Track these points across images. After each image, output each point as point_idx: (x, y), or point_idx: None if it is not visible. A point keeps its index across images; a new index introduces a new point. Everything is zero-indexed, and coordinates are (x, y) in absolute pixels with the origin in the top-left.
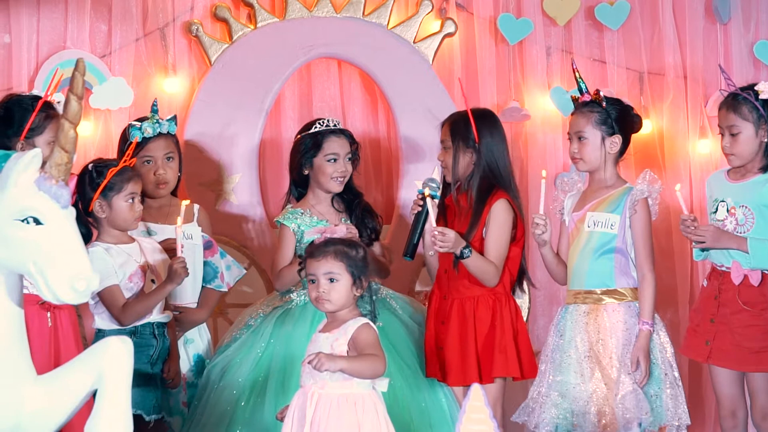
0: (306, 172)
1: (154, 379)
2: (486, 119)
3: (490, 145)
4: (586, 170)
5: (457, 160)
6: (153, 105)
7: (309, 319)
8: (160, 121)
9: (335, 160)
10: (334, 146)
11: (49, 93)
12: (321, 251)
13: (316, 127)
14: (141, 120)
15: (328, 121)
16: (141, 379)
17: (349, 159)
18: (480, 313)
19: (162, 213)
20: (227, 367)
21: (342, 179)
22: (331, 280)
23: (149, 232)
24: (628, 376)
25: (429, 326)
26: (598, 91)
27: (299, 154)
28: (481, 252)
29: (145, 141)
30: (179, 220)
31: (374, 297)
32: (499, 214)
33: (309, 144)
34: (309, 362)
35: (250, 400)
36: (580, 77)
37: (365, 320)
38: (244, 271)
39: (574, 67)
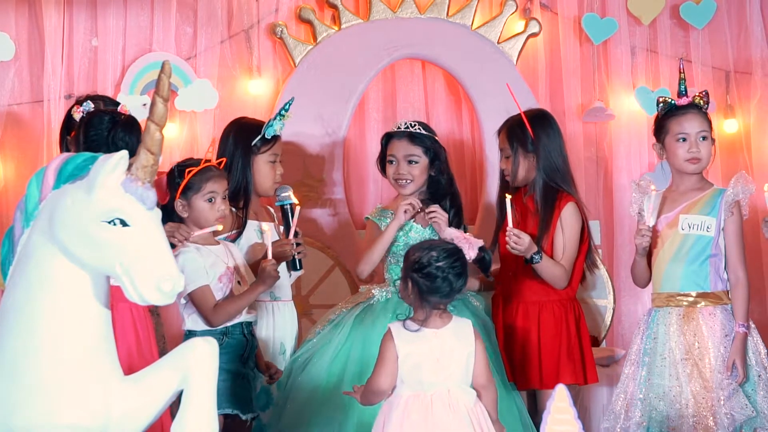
0: None
1: (246, 378)
2: (541, 120)
3: (548, 146)
4: (699, 171)
5: (518, 166)
6: (288, 103)
7: (389, 315)
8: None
9: (392, 161)
10: (392, 148)
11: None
12: None
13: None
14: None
15: (401, 123)
16: (236, 379)
17: (411, 162)
18: (544, 319)
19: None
20: (308, 360)
21: (403, 182)
22: None
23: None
24: (729, 379)
25: (499, 330)
26: (706, 93)
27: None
28: (549, 254)
29: (274, 139)
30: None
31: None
32: (571, 218)
33: (382, 145)
34: None
35: (327, 392)
36: (684, 78)
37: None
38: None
39: (681, 67)
